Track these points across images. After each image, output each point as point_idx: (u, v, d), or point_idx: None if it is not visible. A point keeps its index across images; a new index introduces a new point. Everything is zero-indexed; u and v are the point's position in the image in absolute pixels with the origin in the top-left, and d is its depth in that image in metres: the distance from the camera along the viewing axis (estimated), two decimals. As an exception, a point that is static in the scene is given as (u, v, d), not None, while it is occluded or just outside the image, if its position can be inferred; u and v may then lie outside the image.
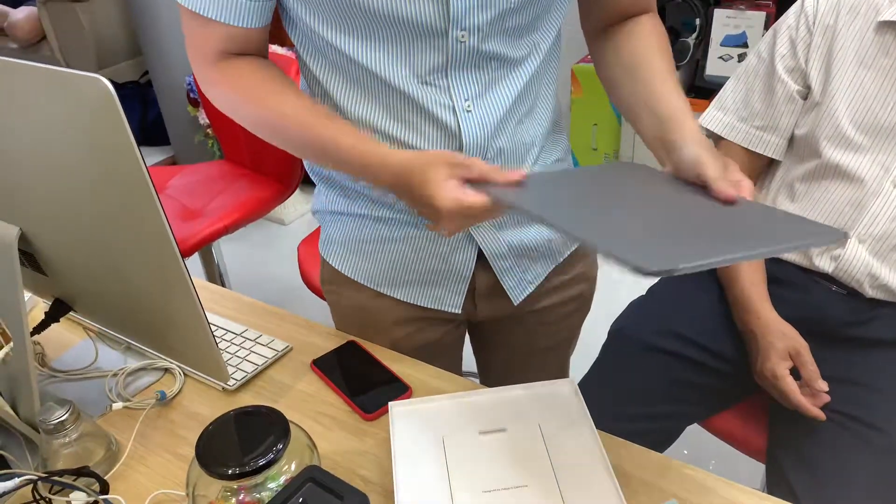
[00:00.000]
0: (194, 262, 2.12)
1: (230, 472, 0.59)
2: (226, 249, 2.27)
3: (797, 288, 1.07)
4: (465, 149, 0.78)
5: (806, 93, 1.06)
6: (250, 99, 0.76)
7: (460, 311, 0.94)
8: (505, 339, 1.06)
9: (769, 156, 1.11)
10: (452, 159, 0.67)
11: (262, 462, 0.59)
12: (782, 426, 1.04)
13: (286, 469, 0.64)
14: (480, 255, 0.89)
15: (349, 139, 0.72)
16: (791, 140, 1.10)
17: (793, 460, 0.99)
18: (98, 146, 0.63)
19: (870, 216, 0.99)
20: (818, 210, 1.04)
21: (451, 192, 0.65)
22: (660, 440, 1.10)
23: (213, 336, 0.75)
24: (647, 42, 0.79)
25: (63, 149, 0.66)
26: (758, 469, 1.17)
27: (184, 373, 0.92)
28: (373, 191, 0.85)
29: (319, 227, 0.99)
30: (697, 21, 2.53)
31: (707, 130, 1.17)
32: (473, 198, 0.65)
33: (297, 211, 3.08)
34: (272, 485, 0.63)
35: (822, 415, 0.96)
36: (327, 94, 0.80)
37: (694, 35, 2.52)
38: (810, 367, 0.98)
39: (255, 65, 0.77)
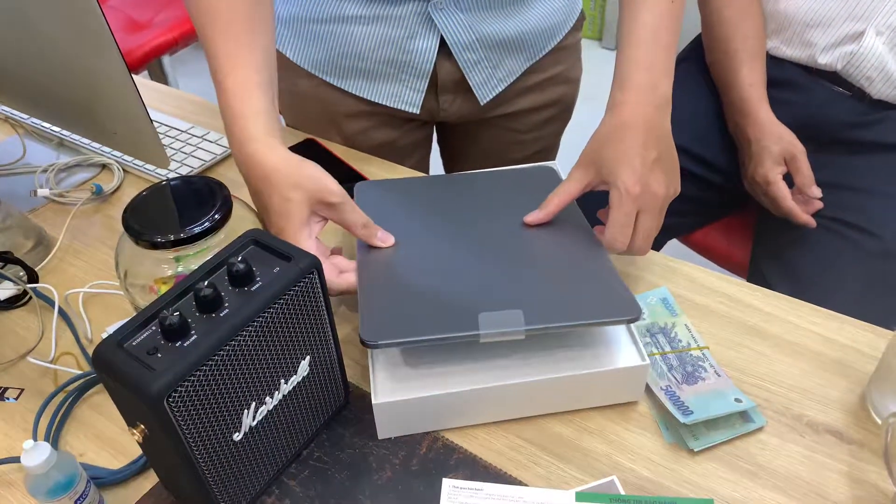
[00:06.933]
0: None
1: (161, 239, 0.51)
2: (183, 80, 2.10)
3: (799, 89, 0.98)
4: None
5: None
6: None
7: (419, 111, 0.84)
8: (474, 145, 0.97)
9: None
10: (323, 197, 0.57)
11: (196, 230, 0.52)
12: (769, 238, 1.00)
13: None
14: (444, 46, 0.78)
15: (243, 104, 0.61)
16: None
17: (777, 270, 0.95)
18: None
19: (890, 5, 0.89)
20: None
21: (303, 233, 0.57)
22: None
23: (146, 108, 0.65)
24: None
25: None
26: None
27: (123, 168, 0.83)
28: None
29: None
30: None
31: None
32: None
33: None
34: (215, 262, 0.56)
35: (812, 221, 0.91)
36: None
37: None
38: (805, 173, 0.91)
39: None
